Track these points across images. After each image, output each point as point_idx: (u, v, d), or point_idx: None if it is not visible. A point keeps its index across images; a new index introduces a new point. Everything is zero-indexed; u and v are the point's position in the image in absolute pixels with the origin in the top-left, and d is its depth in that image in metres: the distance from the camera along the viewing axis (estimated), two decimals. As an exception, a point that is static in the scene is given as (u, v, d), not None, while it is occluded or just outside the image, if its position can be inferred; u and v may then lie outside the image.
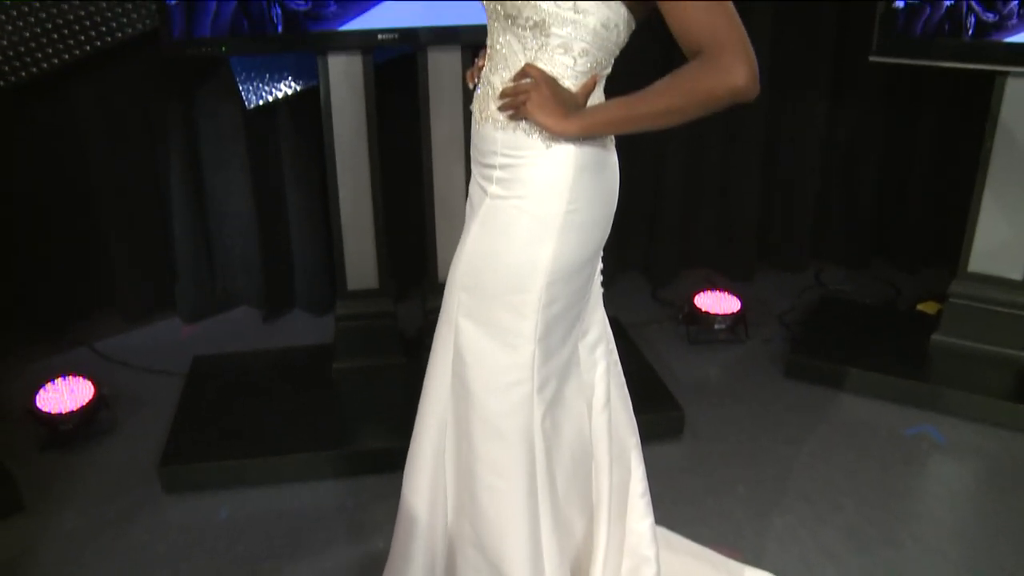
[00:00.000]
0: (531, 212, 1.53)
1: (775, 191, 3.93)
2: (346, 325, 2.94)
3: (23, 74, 2.88)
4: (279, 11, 2.54)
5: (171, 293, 3.56)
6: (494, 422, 1.62)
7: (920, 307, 3.55)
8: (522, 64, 1.49)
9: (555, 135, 1.49)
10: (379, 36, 2.59)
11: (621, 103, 1.44)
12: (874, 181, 3.93)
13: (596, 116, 1.48)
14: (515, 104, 1.49)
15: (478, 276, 1.60)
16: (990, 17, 2.78)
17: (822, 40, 3.62)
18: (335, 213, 2.83)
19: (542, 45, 1.47)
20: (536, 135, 1.51)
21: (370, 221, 2.84)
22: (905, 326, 3.37)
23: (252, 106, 3.11)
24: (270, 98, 3.10)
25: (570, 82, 1.50)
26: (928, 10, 2.84)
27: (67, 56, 2.93)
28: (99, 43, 2.95)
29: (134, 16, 2.95)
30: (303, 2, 2.53)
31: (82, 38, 2.93)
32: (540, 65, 1.48)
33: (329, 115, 2.73)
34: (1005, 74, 2.88)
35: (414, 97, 2.80)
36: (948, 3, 2.80)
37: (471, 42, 2.66)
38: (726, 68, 1.32)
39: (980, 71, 2.90)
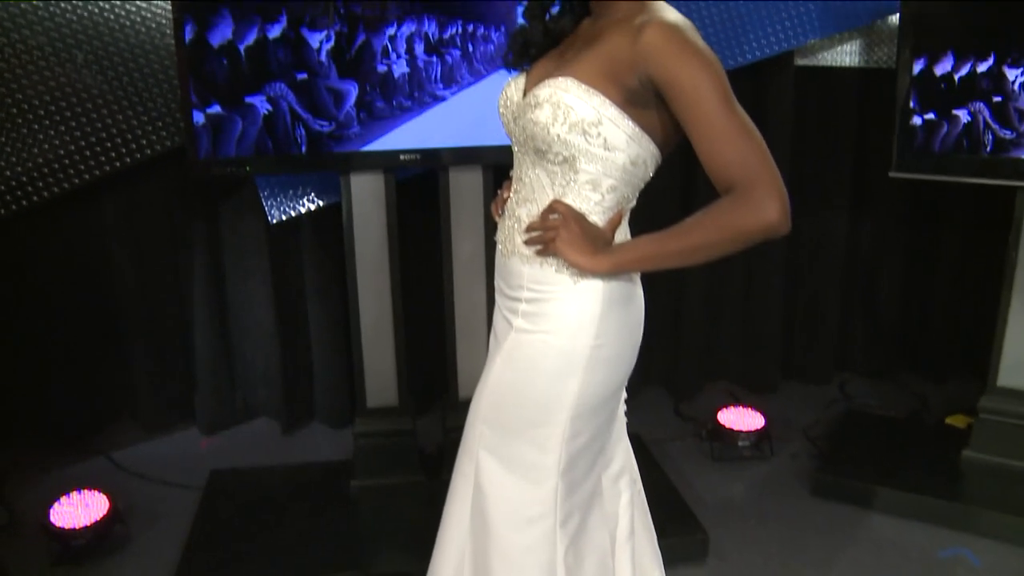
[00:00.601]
0: (558, 347, 1.51)
1: (798, 303, 3.91)
2: (365, 443, 2.90)
3: (55, 190, 2.95)
4: (303, 132, 2.58)
5: (191, 404, 3.54)
6: (515, 558, 1.57)
7: (949, 420, 3.47)
8: (549, 198, 1.51)
9: (584, 272, 1.48)
10: (401, 157, 2.63)
11: (652, 240, 1.44)
12: (897, 292, 3.90)
13: (626, 254, 1.48)
14: (543, 240, 1.49)
15: (501, 410, 1.58)
16: (1008, 134, 2.79)
17: (841, 155, 3.65)
18: (356, 331, 2.83)
19: (570, 180, 1.48)
20: (564, 271, 1.50)
21: (390, 340, 2.83)
22: (934, 441, 3.30)
23: (275, 221, 3.15)
24: (293, 213, 3.14)
25: (597, 217, 1.50)
26: (946, 127, 2.86)
27: (97, 172, 3.00)
28: (128, 159, 3.02)
29: (163, 133, 3.02)
30: (327, 123, 2.58)
31: (113, 155, 3.00)
32: (568, 200, 1.49)
33: (351, 233, 2.75)
34: (1024, 188, 2.88)
35: (436, 213, 2.83)
36: (965, 120, 2.83)
37: (492, 162, 2.70)
38: (758, 204, 1.32)
39: (1000, 186, 2.90)
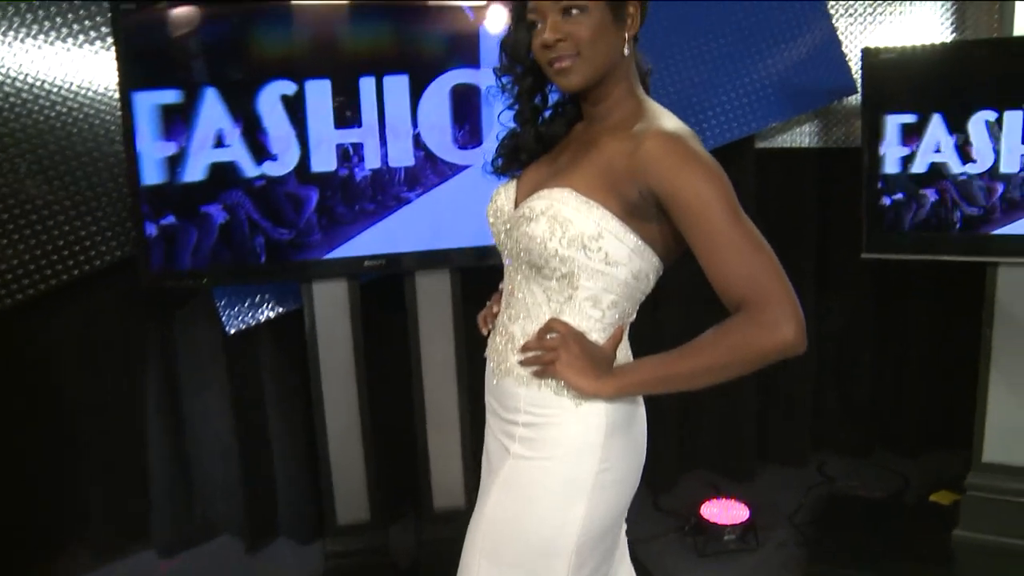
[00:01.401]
0: (560, 474, 1.42)
1: (771, 386, 3.84)
2: (336, 563, 2.75)
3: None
4: (262, 240, 2.49)
5: (147, 524, 3.33)
6: None
7: (933, 498, 3.41)
8: (546, 315, 1.42)
9: (588, 395, 1.39)
10: (366, 263, 2.55)
11: (659, 362, 1.35)
12: (869, 369, 3.86)
13: (632, 376, 1.38)
14: (541, 361, 1.40)
15: (501, 543, 1.47)
16: (975, 211, 2.78)
17: (806, 235, 3.63)
18: (323, 447, 2.71)
19: (569, 297, 1.40)
20: (565, 393, 1.41)
21: (359, 453, 2.71)
22: (922, 520, 3.22)
23: (233, 331, 3.01)
24: (252, 323, 3.00)
25: (598, 335, 1.42)
26: (914, 206, 2.85)
27: (42, 286, 2.85)
28: (76, 272, 2.87)
29: (113, 244, 2.88)
30: (287, 231, 2.49)
31: (59, 267, 2.85)
32: (566, 317, 1.41)
33: (315, 344, 2.64)
34: (996, 264, 2.86)
35: (403, 315, 2.73)
36: (933, 199, 2.82)
37: (460, 265, 2.61)
38: (773, 323, 1.24)
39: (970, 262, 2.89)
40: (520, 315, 1.46)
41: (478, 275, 2.89)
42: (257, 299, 3.00)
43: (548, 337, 1.40)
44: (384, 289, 2.99)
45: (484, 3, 2.53)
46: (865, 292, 3.75)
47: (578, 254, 1.35)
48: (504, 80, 1.53)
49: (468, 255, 2.54)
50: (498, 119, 1.60)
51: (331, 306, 2.63)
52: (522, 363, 1.43)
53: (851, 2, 3.34)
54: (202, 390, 3.28)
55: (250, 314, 3.01)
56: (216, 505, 3.38)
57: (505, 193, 1.54)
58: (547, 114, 1.56)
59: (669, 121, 1.38)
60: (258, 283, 2.87)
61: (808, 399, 3.85)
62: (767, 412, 3.87)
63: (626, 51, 1.42)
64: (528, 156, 1.56)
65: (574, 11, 1.36)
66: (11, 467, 3.08)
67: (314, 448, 2.83)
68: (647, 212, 1.35)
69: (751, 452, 3.79)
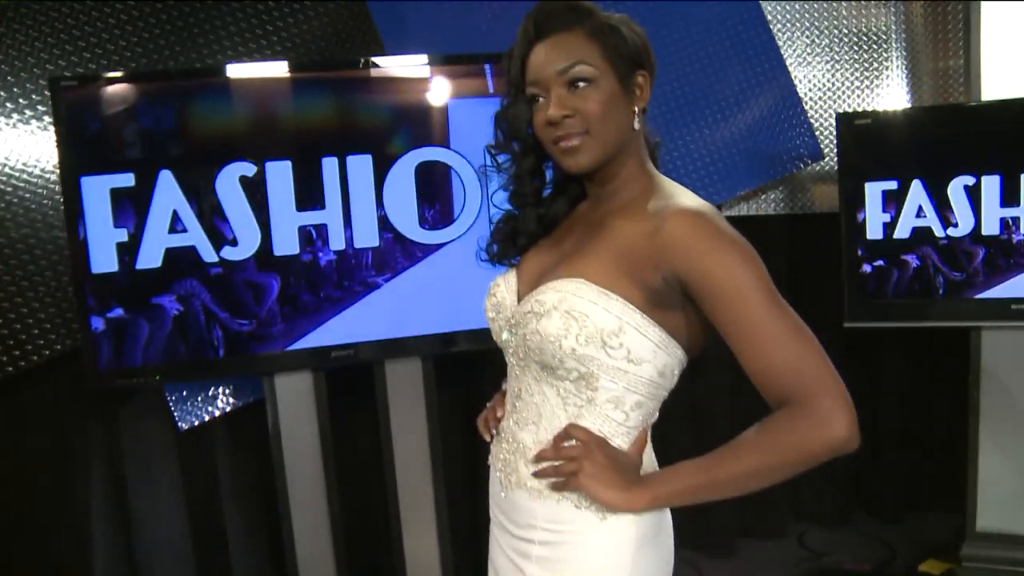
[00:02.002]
0: None
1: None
2: None
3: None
4: (220, 333, 2.32)
5: (92, 639, 3.07)
6: None
7: (923, 567, 3.28)
8: (561, 421, 1.28)
9: (615, 509, 1.24)
10: (332, 354, 2.39)
11: (698, 467, 1.21)
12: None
13: (666, 485, 1.24)
14: (561, 473, 1.25)
15: None
16: (958, 276, 2.73)
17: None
18: (289, 546, 2.50)
19: (589, 400, 1.25)
20: (586, 506, 1.26)
21: (330, 551, 2.52)
22: (917, 595, 3.11)
23: (186, 427, 2.82)
24: (206, 418, 2.81)
25: (621, 440, 1.28)
26: (896, 273, 2.78)
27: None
28: (11, 368, 2.67)
29: (52, 337, 2.68)
30: (247, 322, 2.32)
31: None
32: (585, 422, 1.26)
33: (278, 438, 2.46)
34: (980, 328, 2.81)
35: (373, 402, 2.57)
36: (915, 265, 2.76)
37: (432, 353, 2.47)
38: (823, 419, 1.12)
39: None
40: (531, 420, 1.32)
41: (453, 362, 2.75)
42: (211, 392, 2.81)
43: (566, 445, 1.26)
44: (352, 375, 2.83)
45: (455, 77, 2.43)
46: (841, 356, 3.66)
47: (598, 352, 1.21)
48: (501, 159, 1.40)
49: (440, 342, 2.40)
50: (491, 200, 1.46)
51: (295, 399, 2.45)
52: (537, 475, 1.29)
53: (810, 69, 3.32)
54: (152, 489, 3.05)
55: (204, 408, 2.82)
56: (170, 614, 3.13)
57: (505, 284, 1.40)
58: (547, 192, 1.43)
59: (688, 198, 1.26)
60: (216, 378, 2.70)
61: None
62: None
63: (636, 125, 1.31)
64: (527, 240, 1.42)
65: (581, 83, 1.25)
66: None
67: (277, 547, 2.63)
68: (671, 300, 1.23)
69: (730, 527, 3.66)
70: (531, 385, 1.31)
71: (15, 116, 2.50)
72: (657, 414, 1.34)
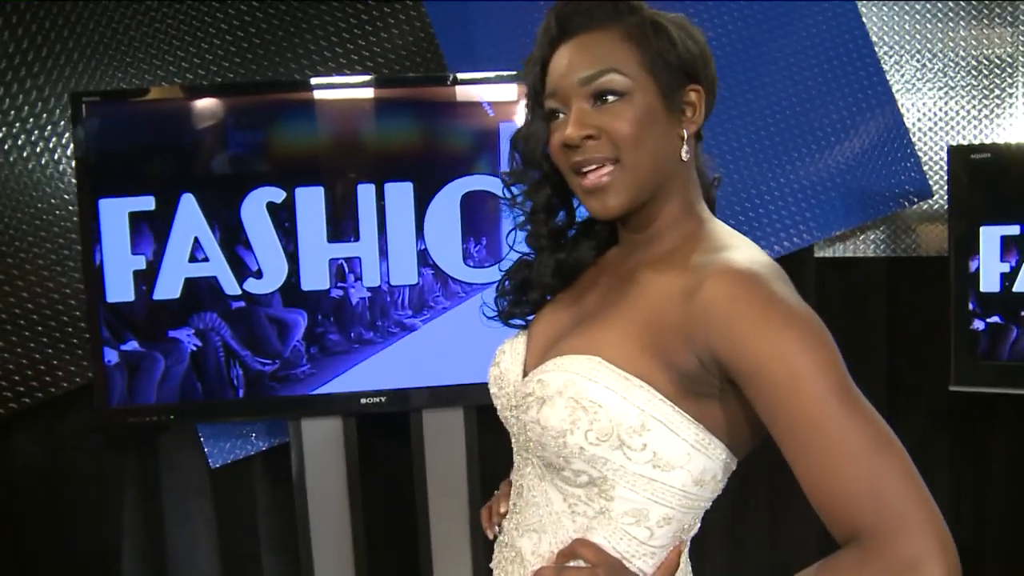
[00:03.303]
0: None
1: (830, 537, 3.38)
2: None
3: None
4: (240, 372, 2.14)
5: None
6: None
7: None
8: (568, 533, 1.01)
9: None
10: (362, 400, 2.17)
11: None
12: (947, 510, 3.37)
13: None
14: None
15: None
16: (1088, 341, 2.36)
17: (874, 355, 3.21)
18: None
19: (601, 511, 0.99)
20: None
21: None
22: None
23: (218, 465, 2.68)
24: (240, 455, 2.67)
25: (643, 562, 1.00)
26: (1015, 332, 2.43)
27: (1, 410, 2.57)
28: (40, 394, 2.58)
29: (84, 364, 2.55)
30: (270, 362, 2.12)
31: (21, 389, 2.56)
32: (597, 538, 0.99)
33: (303, 489, 2.28)
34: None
35: (407, 452, 2.36)
36: (1036, 324, 2.40)
37: (475, 402, 2.22)
38: (910, 564, 0.82)
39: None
40: (532, 527, 1.06)
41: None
42: (245, 431, 2.66)
43: (571, 565, 1.00)
44: (385, 420, 2.63)
45: (507, 98, 2.19)
46: (943, 420, 3.30)
47: (613, 454, 0.95)
48: (515, 191, 1.14)
49: (487, 391, 2.15)
50: (507, 240, 1.21)
51: (322, 445, 2.26)
52: None
53: (919, 96, 3.00)
54: (186, 524, 2.93)
55: (238, 447, 2.67)
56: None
57: (511, 351, 1.15)
58: (571, 234, 1.17)
59: (742, 251, 0.98)
60: (235, 421, 2.53)
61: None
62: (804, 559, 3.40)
63: (685, 154, 1.03)
64: (540, 295, 1.16)
65: (610, 97, 0.99)
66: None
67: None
68: (710, 386, 0.95)
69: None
70: (534, 484, 1.05)
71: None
72: (698, 526, 1.05)
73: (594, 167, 1.00)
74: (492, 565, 1.16)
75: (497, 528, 1.16)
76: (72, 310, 2.51)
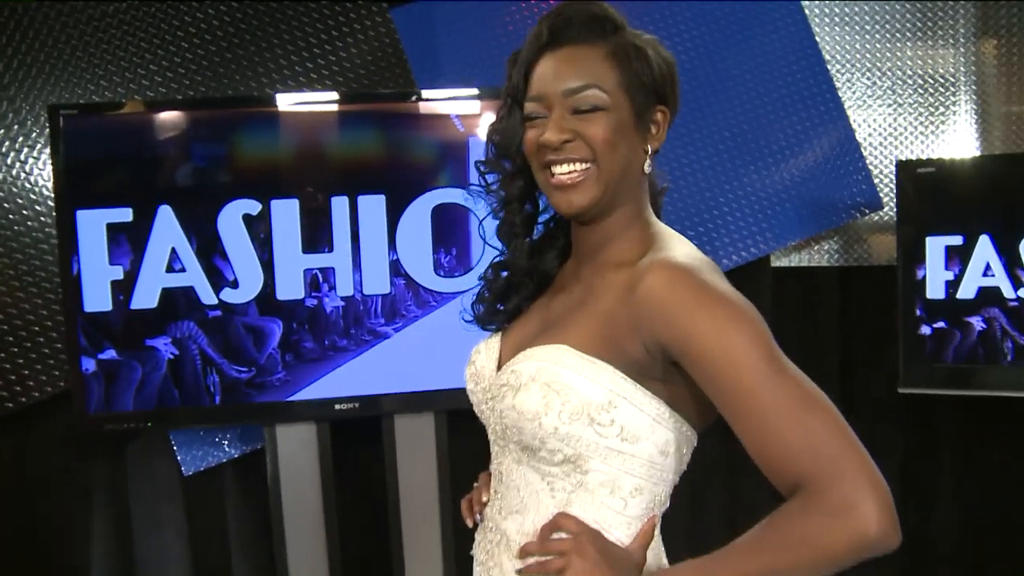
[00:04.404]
0: None
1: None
2: None
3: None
4: (217, 379, 2.20)
5: None
6: None
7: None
8: (549, 509, 1.10)
9: None
10: (336, 407, 2.25)
11: (702, 567, 1.01)
12: (898, 505, 3.50)
13: None
14: (548, 570, 1.07)
15: None
16: (1029, 341, 2.49)
17: (827, 359, 3.33)
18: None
19: (578, 484, 1.08)
20: None
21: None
22: None
23: (191, 472, 2.71)
24: (212, 463, 2.70)
25: (620, 532, 1.09)
26: (959, 336, 2.56)
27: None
28: (10, 404, 2.58)
29: (55, 373, 2.57)
30: (246, 369, 2.18)
31: None
32: (576, 510, 1.08)
33: (278, 493, 2.34)
34: (1055, 402, 2.57)
35: (380, 454, 2.43)
36: (980, 328, 2.53)
37: (447, 408, 2.31)
38: (843, 510, 0.92)
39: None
40: (514, 509, 1.14)
41: (469, 415, 2.60)
42: (218, 438, 2.69)
43: (554, 538, 1.08)
44: (358, 426, 2.69)
45: (475, 112, 2.27)
46: (894, 422, 3.43)
47: (585, 430, 1.04)
48: (489, 179, 1.22)
49: (456, 397, 2.23)
50: (479, 232, 1.28)
51: (297, 450, 2.32)
52: (521, 572, 1.11)
53: (870, 112, 3.12)
54: (157, 531, 2.94)
55: (210, 453, 2.71)
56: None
57: (487, 351, 1.23)
58: (539, 230, 1.25)
59: (678, 250, 1.08)
60: (211, 427, 2.58)
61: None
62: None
63: (647, 167, 1.13)
64: (519, 298, 1.24)
65: (589, 109, 1.08)
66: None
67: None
68: (663, 371, 1.05)
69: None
70: (513, 469, 1.14)
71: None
72: (668, 502, 1.14)
73: (569, 165, 1.08)
74: (473, 552, 1.24)
75: (478, 516, 1.24)
76: (43, 320, 2.52)
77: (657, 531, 1.15)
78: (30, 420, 2.72)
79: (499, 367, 1.18)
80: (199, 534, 2.93)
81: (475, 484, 1.30)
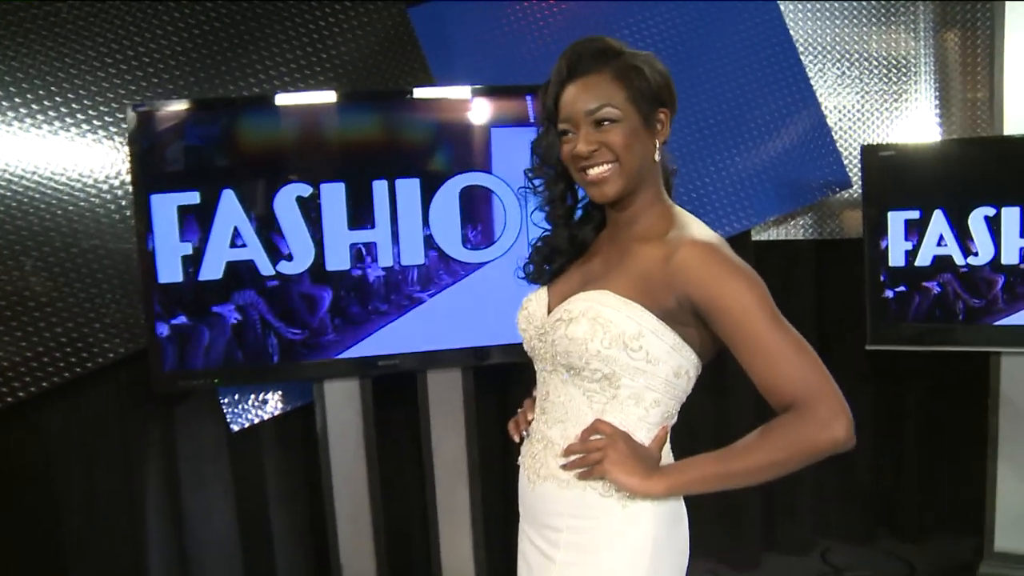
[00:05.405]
0: None
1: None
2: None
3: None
4: (275, 340, 2.48)
5: (143, 627, 3.22)
6: None
7: (942, 586, 3.38)
8: (588, 417, 1.42)
9: (636, 495, 1.38)
10: (379, 363, 2.55)
11: (713, 459, 1.36)
12: (873, 456, 3.84)
13: (683, 474, 1.38)
14: (587, 463, 1.40)
15: None
16: (977, 303, 2.83)
17: (804, 323, 3.63)
18: (333, 544, 2.66)
19: (611, 397, 1.40)
20: (611, 495, 1.40)
21: (371, 550, 2.68)
22: (933, 612, 3.19)
23: (238, 429, 2.98)
24: (257, 420, 2.97)
25: (642, 435, 1.42)
26: (917, 299, 2.89)
27: (45, 384, 2.79)
28: (78, 369, 2.82)
29: (116, 341, 2.83)
30: (300, 331, 2.48)
31: (62, 364, 2.80)
32: (609, 418, 1.41)
33: (326, 441, 2.62)
34: (999, 354, 2.90)
35: (415, 411, 2.73)
36: (936, 291, 2.86)
37: (469, 364, 2.64)
38: (825, 421, 1.27)
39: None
40: (558, 419, 1.46)
41: (491, 372, 2.90)
42: (263, 396, 2.97)
43: (593, 438, 1.40)
44: (395, 384, 2.98)
45: (497, 106, 2.60)
46: (866, 379, 3.75)
47: (620, 354, 1.36)
48: (536, 183, 1.55)
49: (478, 354, 2.56)
50: (531, 219, 1.61)
51: (343, 404, 2.61)
52: (565, 467, 1.43)
53: (839, 98, 3.43)
54: (203, 487, 3.21)
55: (255, 411, 2.98)
56: (217, 607, 3.29)
57: (537, 300, 1.55)
58: (579, 214, 1.58)
59: (699, 229, 1.41)
60: (271, 382, 2.86)
61: (811, 486, 3.82)
62: (770, 499, 3.84)
63: (656, 157, 1.45)
64: (561, 260, 1.57)
65: (606, 122, 1.40)
66: (8, 566, 2.99)
67: (320, 547, 2.78)
68: (684, 318, 1.37)
69: (755, 540, 3.75)
70: (558, 387, 1.45)
71: (84, 127, 2.69)
72: (676, 417, 1.47)
73: (598, 167, 1.41)
74: (519, 461, 1.56)
75: (524, 432, 1.57)
76: (115, 289, 2.78)
77: (667, 437, 1.48)
78: (92, 385, 2.92)
79: (549, 311, 1.50)
80: (242, 490, 3.17)
81: (519, 410, 1.64)
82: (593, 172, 1.41)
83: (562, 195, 1.53)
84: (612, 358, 1.36)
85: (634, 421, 1.41)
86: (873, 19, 3.44)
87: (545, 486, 1.46)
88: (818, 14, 3.43)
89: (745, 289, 1.31)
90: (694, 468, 1.38)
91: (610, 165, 1.40)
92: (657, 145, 1.45)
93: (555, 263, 1.56)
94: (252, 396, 2.97)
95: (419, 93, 2.67)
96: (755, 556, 3.74)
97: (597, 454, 1.38)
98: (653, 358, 1.37)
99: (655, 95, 1.43)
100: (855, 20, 3.43)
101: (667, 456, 1.49)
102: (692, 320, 1.37)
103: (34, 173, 2.66)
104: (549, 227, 1.57)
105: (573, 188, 1.54)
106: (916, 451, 3.81)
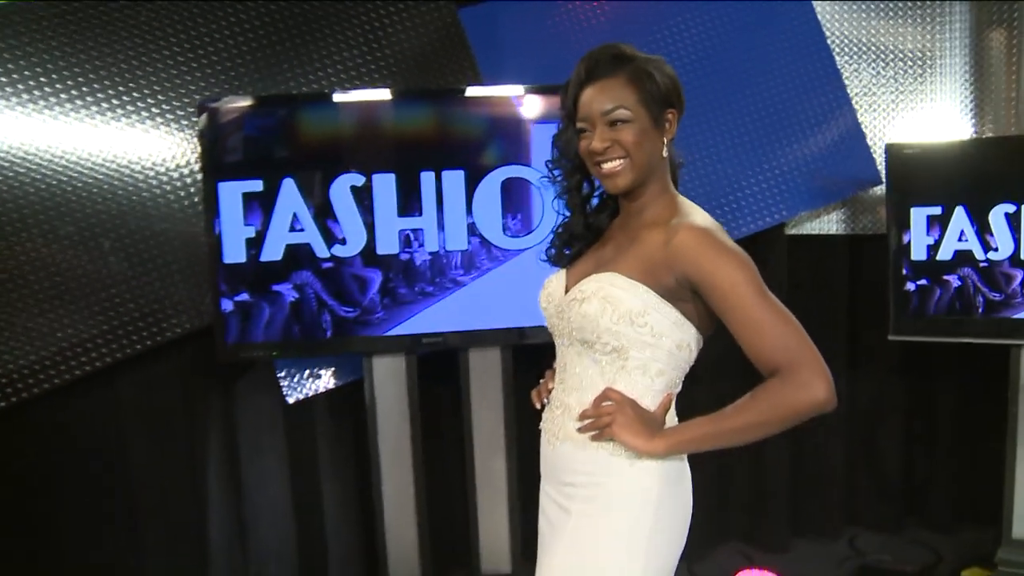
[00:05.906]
0: (619, 530, 1.57)
1: (804, 461, 3.93)
2: (391, 626, 2.87)
3: (77, 373, 2.95)
4: (329, 317, 2.68)
5: (204, 585, 3.44)
6: None
7: (965, 573, 3.45)
8: (600, 386, 1.59)
9: (642, 454, 1.55)
10: (424, 340, 2.74)
11: (706, 421, 1.52)
12: (900, 446, 3.93)
13: (682, 434, 1.55)
14: (599, 425, 1.57)
15: None
16: (996, 296, 2.92)
17: (836, 317, 3.75)
18: (379, 511, 2.85)
19: (620, 368, 1.57)
20: (620, 454, 1.57)
21: (413, 518, 2.86)
22: (954, 597, 3.28)
23: (293, 400, 3.18)
24: (310, 393, 3.17)
25: (648, 401, 1.59)
26: (939, 292, 2.99)
27: (119, 355, 2.99)
28: (149, 342, 3.03)
29: (183, 317, 3.03)
30: (352, 309, 2.68)
31: (134, 338, 3.00)
32: (619, 386, 1.58)
33: (374, 414, 2.81)
34: (1019, 346, 2.99)
35: (457, 388, 2.91)
36: (956, 285, 2.96)
37: (509, 343, 2.81)
38: (806, 384, 1.43)
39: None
40: (575, 387, 1.63)
41: (528, 352, 3.07)
42: (317, 371, 3.17)
43: (604, 404, 1.57)
44: (438, 363, 3.17)
45: (538, 104, 2.77)
46: (894, 371, 3.85)
47: (627, 329, 1.53)
48: (556, 173, 1.72)
49: (515, 334, 2.73)
50: (552, 205, 1.78)
51: (390, 378, 2.80)
52: (580, 430, 1.60)
53: (872, 97, 3.53)
54: (260, 456, 3.41)
55: (309, 384, 3.18)
56: (269, 568, 3.48)
57: (556, 281, 1.72)
58: (595, 202, 1.74)
59: (698, 216, 1.57)
60: (324, 356, 3.05)
61: (840, 475, 3.93)
62: (800, 487, 3.95)
63: (664, 153, 1.62)
64: (579, 245, 1.73)
65: (619, 123, 1.56)
66: (78, 529, 3.21)
67: (366, 514, 2.96)
68: (683, 295, 1.54)
69: (784, 526, 3.86)
70: (574, 359, 1.63)
71: (162, 127, 2.92)
72: (680, 386, 1.64)
73: (612, 162, 1.58)
74: (541, 426, 1.74)
75: (545, 399, 1.75)
76: (183, 269, 2.96)
77: (672, 407, 1.64)
78: (158, 359, 3.11)
79: (566, 291, 1.68)
80: (295, 459, 3.37)
81: (540, 380, 1.81)
82: (607, 166, 1.58)
83: (578, 184, 1.70)
84: (621, 333, 1.53)
85: (641, 389, 1.58)
86: (907, 20, 3.52)
87: (564, 447, 1.64)
88: (852, 15, 3.52)
89: (735, 268, 1.47)
90: (690, 429, 1.54)
91: (622, 160, 1.57)
92: (665, 142, 1.61)
93: (574, 247, 1.73)
94: (307, 371, 3.16)
95: (471, 92, 2.85)
96: (785, 541, 3.85)
97: (607, 418, 1.55)
98: (657, 332, 1.54)
99: (664, 97, 1.59)
100: (888, 21, 3.51)
101: (672, 421, 1.65)
102: (690, 297, 1.53)
103: (112, 161, 2.87)
104: (568, 212, 1.74)
105: (589, 178, 1.71)
106: (943, 441, 3.88)
